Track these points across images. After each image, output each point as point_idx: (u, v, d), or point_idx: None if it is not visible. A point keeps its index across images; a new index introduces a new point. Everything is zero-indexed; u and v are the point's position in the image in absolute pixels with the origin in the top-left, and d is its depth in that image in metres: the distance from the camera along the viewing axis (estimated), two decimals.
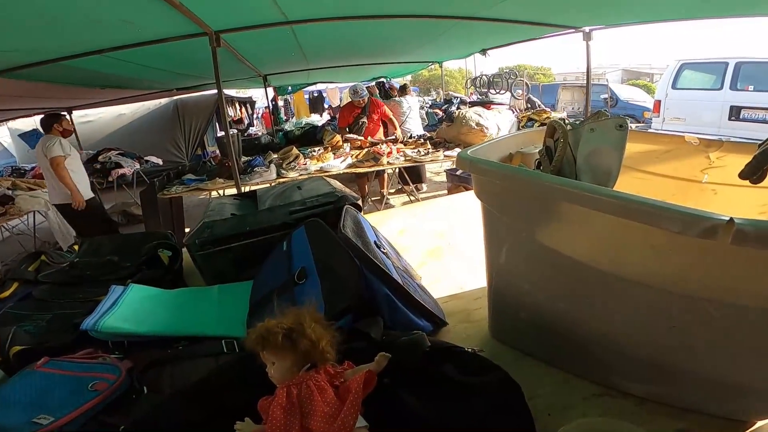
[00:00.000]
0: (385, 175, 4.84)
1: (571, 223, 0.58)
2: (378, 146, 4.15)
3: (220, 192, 3.66)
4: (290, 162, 3.75)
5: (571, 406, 0.66)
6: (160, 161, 6.25)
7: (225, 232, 1.05)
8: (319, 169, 3.81)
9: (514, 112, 5.53)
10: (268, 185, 2.87)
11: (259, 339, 0.56)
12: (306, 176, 3.39)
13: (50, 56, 2.81)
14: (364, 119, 4.77)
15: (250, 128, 10.24)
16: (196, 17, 2.43)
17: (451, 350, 0.66)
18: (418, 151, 4.14)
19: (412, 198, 5.01)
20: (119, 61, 3.18)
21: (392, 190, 5.33)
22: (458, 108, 5.57)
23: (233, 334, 0.83)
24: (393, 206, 4.27)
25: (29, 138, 6.58)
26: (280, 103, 10.75)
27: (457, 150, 3.93)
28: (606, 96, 9.85)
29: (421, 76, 21.68)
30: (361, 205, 1.10)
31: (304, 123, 6.27)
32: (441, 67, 8.24)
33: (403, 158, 4.07)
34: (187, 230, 3.89)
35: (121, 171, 5.36)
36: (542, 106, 6.97)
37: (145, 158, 6.07)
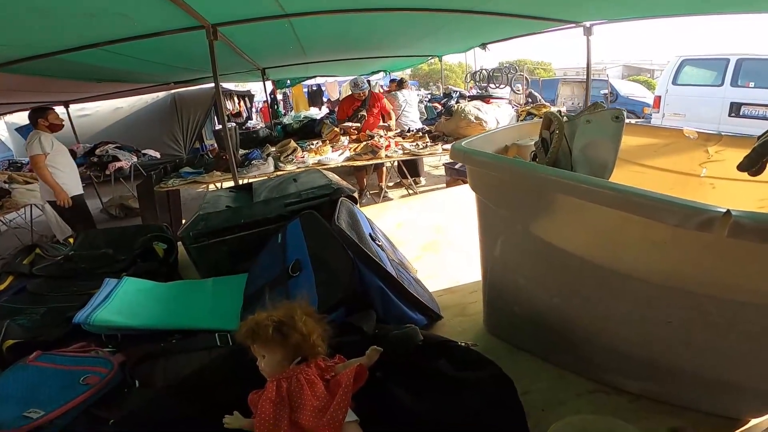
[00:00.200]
0: (384, 169, 4.83)
1: (567, 215, 0.57)
2: (376, 139, 4.13)
3: (218, 185, 3.63)
4: (288, 155, 3.73)
5: (565, 402, 0.66)
6: (158, 155, 6.22)
7: (219, 224, 1.04)
8: (317, 162, 3.79)
9: (513, 107, 5.50)
10: (265, 178, 2.86)
11: (249, 332, 0.56)
12: (303, 169, 3.37)
13: (45, 50, 2.78)
14: (364, 112, 4.75)
15: (249, 122, 10.19)
16: (192, 10, 2.40)
17: (445, 344, 0.65)
18: (417, 144, 4.13)
19: (411, 191, 5.00)
20: (115, 55, 3.15)
21: (390, 184, 5.32)
22: (457, 102, 5.54)
23: (227, 327, 0.83)
24: (391, 199, 4.26)
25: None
26: (279, 96, 10.70)
27: None
28: (606, 91, 9.82)
29: (421, 71, 21.58)
30: (356, 197, 1.09)
31: (302, 116, 6.23)
32: (440, 61, 8.20)
33: (401, 151, 4.05)
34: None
35: (118, 164, 5.32)
36: (543, 100, 6.94)
37: (143, 152, 6.04)
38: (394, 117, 4.96)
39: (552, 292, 0.66)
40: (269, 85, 8.22)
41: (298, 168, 3.60)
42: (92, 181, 5.31)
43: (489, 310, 0.82)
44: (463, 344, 0.66)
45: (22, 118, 7.12)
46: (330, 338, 0.61)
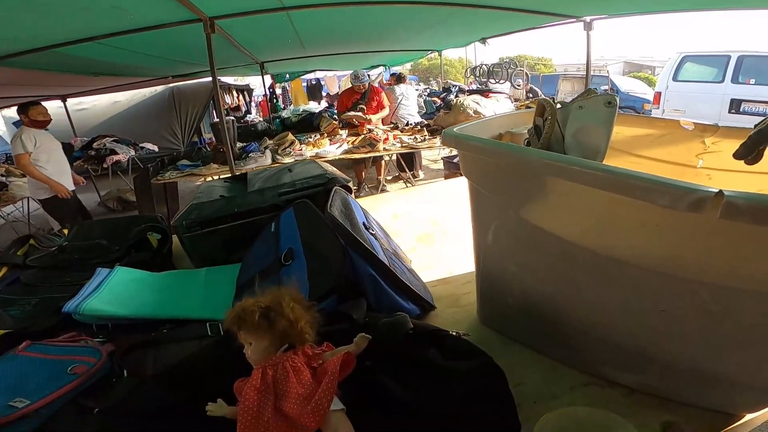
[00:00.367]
0: (382, 162, 4.83)
1: (558, 199, 0.57)
2: (374, 132, 4.13)
3: (215, 177, 3.63)
4: (286, 148, 3.72)
5: (557, 395, 0.65)
6: (155, 148, 6.20)
7: (213, 213, 1.03)
8: (314, 155, 3.78)
9: (512, 102, 5.49)
10: (261, 168, 2.85)
11: (235, 318, 0.55)
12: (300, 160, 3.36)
13: (41, 44, 2.76)
14: (363, 105, 4.74)
15: (248, 116, 10.15)
16: (189, 2, 2.37)
17: (436, 333, 0.64)
18: (415, 137, 4.12)
19: (409, 185, 5.00)
20: (112, 48, 3.12)
21: (389, 178, 5.32)
22: (456, 96, 5.53)
23: (219, 317, 0.81)
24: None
25: None
26: (278, 90, 10.66)
27: None
28: (606, 87, 9.80)
29: (421, 65, 21.51)
30: (351, 187, 1.08)
31: (301, 110, 6.21)
32: (440, 55, 8.16)
33: (399, 144, 4.05)
34: None
35: (116, 158, 5.31)
36: (543, 96, 6.92)
37: (141, 145, 6.02)
38: (387, 110, 4.95)
39: (544, 280, 0.66)
40: (268, 79, 8.18)
41: (296, 161, 3.59)
42: (90, 174, 5.29)
43: (482, 301, 0.82)
44: (454, 333, 0.65)
45: None
46: (320, 326, 0.60)
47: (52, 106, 6.67)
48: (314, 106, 7.71)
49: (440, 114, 4.72)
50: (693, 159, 0.89)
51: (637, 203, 0.44)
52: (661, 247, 0.49)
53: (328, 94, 12.27)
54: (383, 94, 4.92)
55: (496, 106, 4.55)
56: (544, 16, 3.99)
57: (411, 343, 0.62)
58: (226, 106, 8.48)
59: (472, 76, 8.90)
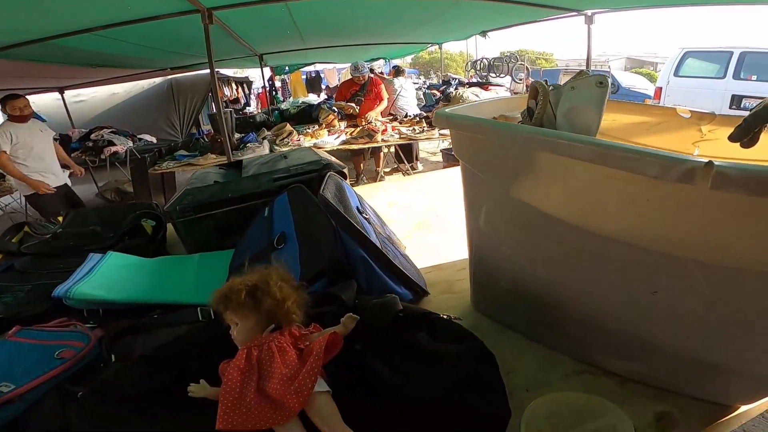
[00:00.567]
0: (381, 154, 4.82)
1: (549, 176, 0.56)
2: (373, 123, 4.12)
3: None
4: (284, 138, 3.71)
5: (550, 383, 0.65)
6: (154, 139, 6.17)
7: (206, 198, 1.02)
8: (312, 145, 3.77)
9: (512, 95, 5.48)
10: (256, 155, 2.83)
11: (222, 298, 0.54)
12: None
13: (38, 36, 2.73)
14: (361, 97, 4.73)
15: (247, 108, 10.11)
16: None
17: (426, 317, 0.64)
18: (413, 129, 4.12)
19: (407, 176, 5.00)
20: (110, 40, 3.10)
21: (387, 169, 5.31)
22: (456, 89, 5.51)
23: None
24: None
25: None
26: (278, 83, 10.60)
27: None
28: None
29: (422, 59, 21.40)
30: (346, 173, 1.07)
31: (300, 102, 6.18)
32: (440, 49, 8.12)
33: (397, 135, 4.04)
34: None
35: (113, 149, 5.27)
36: None
37: (139, 136, 5.99)
38: (384, 102, 4.93)
39: (536, 261, 0.65)
40: (267, 72, 8.13)
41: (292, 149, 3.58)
42: (87, 165, 5.27)
43: (475, 286, 0.81)
44: (445, 317, 0.64)
45: None
46: (310, 308, 0.59)
47: (50, 98, 6.67)
48: (314, 99, 7.67)
49: (439, 106, 4.71)
50: (690, 147, 0.89)
51: (627, 178, 0.44)
52: (651, 223, 0.48)
53: (327, 86, 12.21)
54: (382, 86, 4.90)
55: None
56: (545, 9, 3.97)
57: (401, 325, 0.62)
58: (225, 99, 8.43)
59: (472, 70, 8.86)
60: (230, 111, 4.14)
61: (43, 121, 3.92)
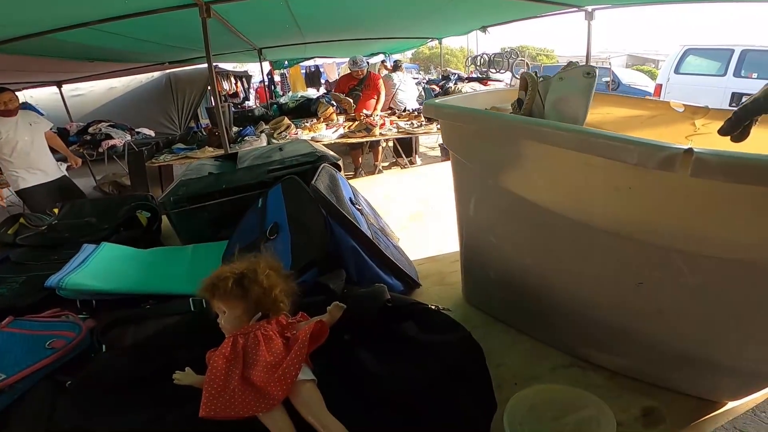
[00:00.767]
0: (379, 148, 4.82)
1: (534, 163, 0.56)
2: (371, 117, 4.12)
3: None
4: (281, 132, 3.70)
5: (538, 376, 0.65)
6: (152, 133, 6.16)
7: (200, 189, 1.02)
8: (310, 139, 3.77)
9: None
10: (252, 148, 2.82)
11: (209, 286, 0.54)
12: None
13: (34, 30, 2.72)
14: (359, 91, 4.72)
15: (246, 102, 10.08)
16: None
17: (415, 307, 0.64)
18: (411, 123, 4.12)
19: (405, 170, 5.00)
20: (108, 34, 3.08)
21: (386, 164, 5.31)
22: (455, 84, 5.50)
23: None
24: None
25: None
26: (277, 77, 10.56)
27: None
28: (608, 79, 9.73)
29: (422, 54, 21.32)
30: (340, 165, 1.07)
31: (299, 96, 6.17)
32: (440, 44, 8.09)
33: (395, 130, 4.04)
34: None
35: (111, 142, 5.25)
36: None
37: (137, 130, 5.97)
38: (383, 98, 4.92)
39: (523, 251, 0.65)
40: (266, 66, 8.10)
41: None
42: (85, 159, 5.25)
43: (466, 277, 0.82)
44: (433, 307, 0.64)
45: None
46: (299, 298, 0.60)
47: (48, 92, 6.64)
48: (313, 93, 7.65)
49: None
50: (683, 141, 0.89)
51: (610, 166, 0.44)
52: (634, 212, 0.48)
53: (327, 81, 12.17)
54: (380, 81, 4.90)
55: None
56: (546, 5, 3.95)
57: (388, 315, 0.62)
58: (224, 93, 8.40)
59: (472, 65, 8.83)
60: (228, 104, 4.13)
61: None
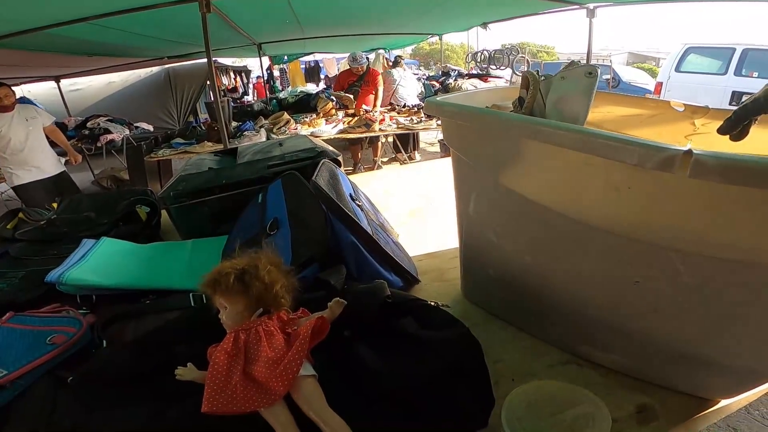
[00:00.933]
0: (378, 144, 4.82)
1: (534, 162, 0.57)
2: (371, 113, 4.11)
3: None
4: (281, 127, 3.70)
5: (535, 373, 0.66)
6: (150, 127, 6.14)
7: (200, 184, 1.02)
8: (309, 134, 3.77)
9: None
10: (251, 143, 2.82)
11: (211, 282, 0.54)
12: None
13: (33, 25, 2.69)
14: (358, 87, 4.71)
15: (245, 97, 10.04)
16: None
17: (414, 303, 0.64)
18: (411, 119, 4.11)
19: (404, 166, 4.99)
20: (107, 29, 3.06)
21: (385, 159, 5.31)
22: (455, 80, 5.48)
23: None
24: None
25: None
26: (276, 72, 10.51)
27: None
28: (608, 77, 9.72)
29: (422, 50, 21.24)
30: (341, 161, 1.07)
31: (299, 91, 6.15)
32: (441, 40, 8.05)
33: (395, 125, 4.04)
34: None
35: (110, 137, 5.24)
36: None
37: (135, 124, 5.95)
38: (380, 95, 4.91)
39: (523, 249, 0.66)
40: (266, 61, 8.07)
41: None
42: (84, 153, 5.23)
43: (465, 274, 0.82)
44: (433, 304, 0.65)
45: None
46: (299, 294, 0.60)
47: (46, 87, 6.60)
48: (312, 88, 7.63)
49: None
50: (682, 140, 0.89)
51: (610, 166, 0.44)
52: (633, 211, 0.49)
53: (326, 76, 12.13)
54: (380, 77, 4.88)
55: None
56: (548, 2, 3.93)
57: (388, 311, 0.62)
58: (223, 87, 8.37)
59: (473, 62, 8.80)
60: (227, 99, 4.12)
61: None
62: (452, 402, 0.52)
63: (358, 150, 4.74)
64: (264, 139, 3.57)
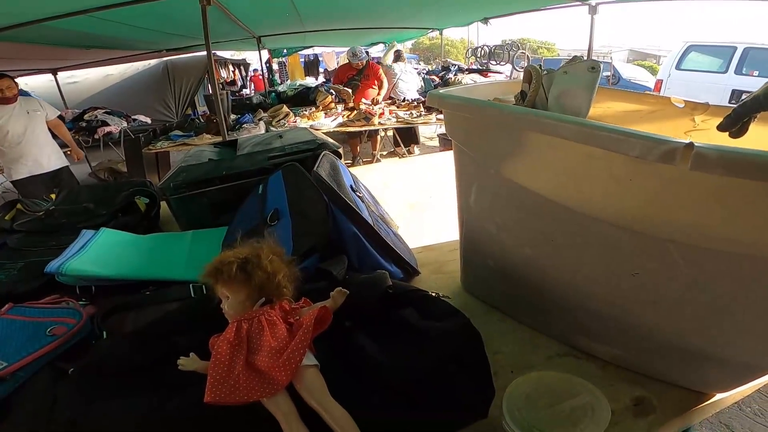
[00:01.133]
0: (378, 137, 4.81)
1: (536, 154, 0.57)
2: (369, 107, 4.10)
3: None
4: (280, 120, 3.68)
5: (534, 365, 0.66)
6: (148, 120, 6.10)
7: (200, 175, 1.02)
8: (309, 127, 3.75)
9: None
10: (251, 135, 2.80)
11: (213, 271, 0.54)
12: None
13: (31, 18, 2.66)
14: (358, 81, 4.69)
15: (243, 90, 10.00)
16: None
17: (415, 293, 0.64)
18: (411, 113, 4.10)
19: (403, 159, 4.99)
20: (104, 21, 3.03)
21: (384, 153, 5.30)
22: (455, 75, 5.46)
23: None
24: None
25: None
26: (275, 66, 10.46)
27: None
28: (609, 73, 9.71)
29: (422, 44, 21.13)
30: (341, 153, 1.07)
31: (298, 84, 6.12)
32: (441, 35, 8.02)
33: (394, 119, 4.03)
34: None
35: (107, 129, 5.20)
36: None
37: (133, 117, 5.92)
38: (386, 86, 4.89)
39: (523, 240, 0.66)
40: (265, 54, 8.02)
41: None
42: (81, 146, 5.20)
43: (464, 265, 0.83)
44: (434, 294, 0.65)
45: None
46: (301, 284, 0.60)
47: (43, 80, 6.54)
48: (311, 82, 7.59)
49: None
50: (681, 136, 0.88)
51: (612, 158, 0.44)
52: (635, 203, 0.49)
53: (326, 69, 12.07)
54: (381, 71, 4.86)
55: None
56: None
57: (389, 301, 0.62)
58: (221, 80, 8.32)
59: (473, 57, 8.77)
60: (226, 92, 4.10)
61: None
62: (453, 392, 0.53)
63: (357, 143, 4.73)
64: (263, 131, 3.56)
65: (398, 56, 5.73)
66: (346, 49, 5.10)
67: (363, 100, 4.56)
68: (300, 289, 0.60)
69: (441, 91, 0.67)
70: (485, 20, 5.79)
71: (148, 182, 1.34)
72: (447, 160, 1.67)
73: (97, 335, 0.70)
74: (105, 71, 7.51)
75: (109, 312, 0.73)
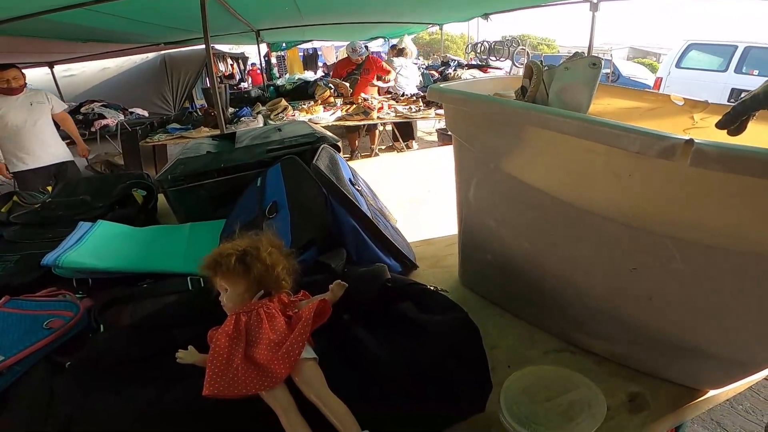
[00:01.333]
0: (376, 132, 4.80)
1: (536, 150, 0.57)
2: (369, 101, 4.09)
3: None
4: (278, 113, 3.67)
5: (531, 360, 0.66)
6: (145, 113, 6.07)
7: (198, 168, 1.02)
8: (307, 121, 3.74)
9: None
10: (249, 128, 2.79)
11: (211, 263, 0.54)
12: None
13: (27, 11, 2.63)
14: (357, 76, 4.68)
15: (242, 83, 9.94)
16: None
17: (413, 287, 0.64)
18: (410, 108, 4.10)
19: (402, 154, 4.99)
20: (102, 15, 2.99)
21: (383, 147, 5.30)
22: (455, 70, 5.45)
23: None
24: None
25: None
26: (273, 60, 10.40)
27: None
28: (608, 71, 9.71)
29: (422, 39, 21.02)
30: (340, 146, 1.07)
31: (296, 78, 6.09)
32: (441, 30, 7.99)
33: (393, 114, 4.02)
34: None
35: (104, 122, 5.17)
36: None
37: (130, 110, 5.88)
38: (393, 74, 4.85)
39: (522, 235, 0.66)
40: (264, 48, 7.98)
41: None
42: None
43: (463, 260, 0.83)
44: (432, 288, 0.65)
45: None
46: (300, 277, 0.60)
47: (40, 73, 6.49)
48: (310, 76, 7.55)
49: None
50: (680, 133, 0.89)
51: (612, 153, 0.44)
52: (633, 198, 0.49)
53: (324, 63, 12.02)
54: (383, 63, 4.84)
55: None
56: None
57: (388, 294, 0.62)
58: (219, 74, 8.27)
59: (472, 52, 8.74)
60: (224, 85, 4.08)
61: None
62: (450, 386, 0.53)
63: (355, 138, 4.73)
64: (261, 125, 3.54)
65: (401, 51, 5.71)
66: (346, 43, 5.08)
67: (362, 94, 4.55)
68: (299, 282, 0.60)
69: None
70: (485, 16, 5.77)
71: (145, 174, 1.33)
72: (445, 154, 1.67)
73: (95, 328, 0.69)
74: (102, 64, 7.46)
75: (107, 305, 0.73)
